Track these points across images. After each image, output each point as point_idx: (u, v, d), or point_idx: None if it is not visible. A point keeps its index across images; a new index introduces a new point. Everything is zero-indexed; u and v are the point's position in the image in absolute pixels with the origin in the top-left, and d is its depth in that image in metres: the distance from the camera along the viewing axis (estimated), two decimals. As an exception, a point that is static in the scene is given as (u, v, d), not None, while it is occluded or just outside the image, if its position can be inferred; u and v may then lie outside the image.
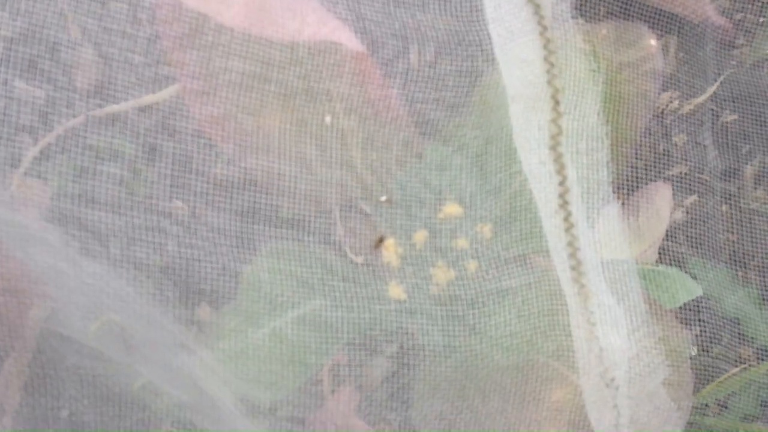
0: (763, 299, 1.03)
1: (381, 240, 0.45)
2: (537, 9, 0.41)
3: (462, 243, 0.46)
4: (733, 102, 1.17)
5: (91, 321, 0.46)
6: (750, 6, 1.14)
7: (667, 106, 1.18)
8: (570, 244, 0.41)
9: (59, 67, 0.45)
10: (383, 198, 0.46)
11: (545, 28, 0.41)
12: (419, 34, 0.46)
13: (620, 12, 1.14)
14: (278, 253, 0.44)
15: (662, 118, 1.16)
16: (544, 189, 0.41)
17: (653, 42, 0.47)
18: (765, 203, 1.15)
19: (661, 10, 1.22)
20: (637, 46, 0.48)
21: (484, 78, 0.44)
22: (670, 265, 1.07)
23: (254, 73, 0.45)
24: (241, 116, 0.44)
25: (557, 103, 0.41)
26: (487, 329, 0.45)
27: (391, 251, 0.45)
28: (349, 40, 0.44)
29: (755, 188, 1.14)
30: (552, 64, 0.41)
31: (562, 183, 0.41)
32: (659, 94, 0.46)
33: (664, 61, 1.18)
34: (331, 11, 0.45)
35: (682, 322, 1.02)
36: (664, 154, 1.14)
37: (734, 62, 1.20)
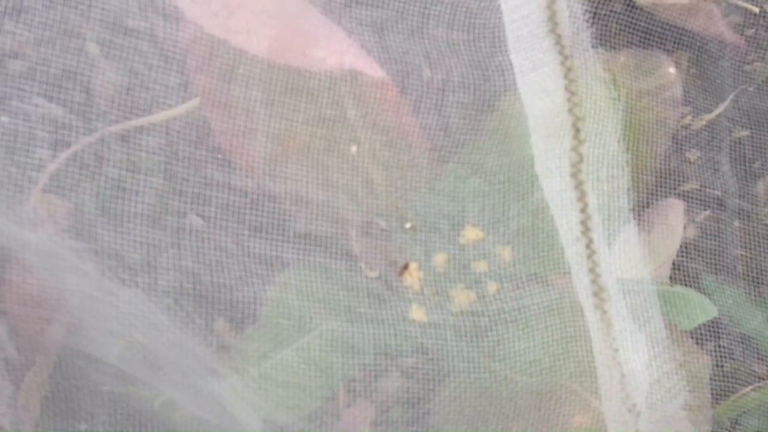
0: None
1: (406, 266, 0.46)
2: (558, 39, 0.42)
3: (482, 266, 0.47)
4: (746, 118, 1.18)
5: (114, 341, 0.47)
6: (762, 22, 1.15)
7: (679, 122, 1.19)
8: (592, 270, 0.41)
9: (77, 82, 0.46)
10: (408, 225, 0.47)
11: (566, 57, 0.42)
12: (441, 63, 0.47)
13: (640, 40, 1.15)
14: (303, 276, 0.45)
15: (675, 134, 1.17)
16: (566, 216, 0.41)
17: (672, 70, 0.48)
18: (777, 219, 1.15)
19: (673, 26, 1.23)
20: (656, 74, 0.48)
21: (505, 106, 0.44)
22: (683, 281, 1.07)
23: (279, 102, 0.46)
24: (267, 143, 0.45)
25: (578, 131, 0.41)
26: (508, 354, 0.45)
27: (413, 275, 0.46)
28: (372, 68, 0.45)
29: (766, 204, 1.14)
30: (572, 93, 0.42)
31: (583, 210, 0.41)
32: (678, 121, 0.47)
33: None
34: (355, 40, 0.46)
35: (696, 341, 1.03)
36: (676, 170, 1.14)
37: (746, 78, 1.21)
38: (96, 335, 0.48)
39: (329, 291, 0.45)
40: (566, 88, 0.41)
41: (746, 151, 1.18)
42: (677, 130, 1.16)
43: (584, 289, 0.41)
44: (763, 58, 1.13)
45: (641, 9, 1.24)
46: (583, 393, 0.43)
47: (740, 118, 1.19)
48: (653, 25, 1.28)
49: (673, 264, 1.07)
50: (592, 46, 0.42)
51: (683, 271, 1.08)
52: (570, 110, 0.41)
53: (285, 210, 0.47)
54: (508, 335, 0.46)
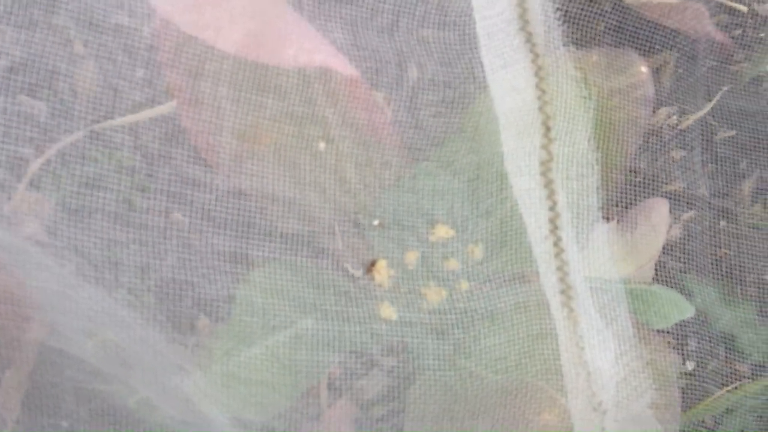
0: (760, 315, 1.04)
1: (373, 263, 0.46)
2: (529, 37, 0.42)
3: (453, 264, 0.47)
4: (731, 118, 1.18)
5: (88, 339, 0.47)
6: (750, 21, 1.15)
7: (665, 121, 1.19)
8: (560, 268, 0.41)
9: (62, 80, 0.46)
10: (375, 222, 0.47)
11: (537, 55, 0.42)
12: (413, 61, 0.47)
13: (612, 39, 1.15)
14: (271, 274, 0.45)
15: (660, 133, 1.17)
16: (535, 214, 0.41)
17: (644, 69, 0.48)
18: (762, 219, 1.15)
19: (660, 25, 1.23)
20: (627, 73, 0.48)
21: (476, 104, 0.44)
22: (667, 281, 1.07)
23: (249, 99, 0.46)
24: (236, 141, 0.45)
25: (548, 129, 0.41)
26: (476, 351, 0.45)
27: (382, 272, 0.46)
28: (343, 66, 0.45)
29: (753, 204, 1.15)
30: (543, 91, 0.42)
31: (552, 208, 0.41)
32: (649, 119, 0.47)
33: (663, 77, 1.18)
34: (326, 38, 0.46)
35: (677, 339, 1.03)
36: (661, 170, 1.14)
37: (733, 78, 1.21)
38: (69, 333, 0.48)
39: (298, 289, 0.45)
40: (537, 86, 0.41)
41: (732, 151, 1.18)
42: (662, 130, 1.16)
43: (551, 287, 0.41)
44: (750, 58, 1.13)
45: (629, 8, 1.25)
46: (550, 391, 0.43)
47: (726, 118, 1.19)
48: (641, 23, 1.28)
49: (657, 263, 1.08)
50: (564, 45, 0.42)
51: (667, 270, 1.08)
52: (540, 108, 0.41)
53: (253, 208, 0.47)
54: (476, 332, 0.46)
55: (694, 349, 1.08)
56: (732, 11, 1.29)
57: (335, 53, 0.45)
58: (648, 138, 1.19)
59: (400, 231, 0.47)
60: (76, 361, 0.49)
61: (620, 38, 1.27)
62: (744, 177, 1.15)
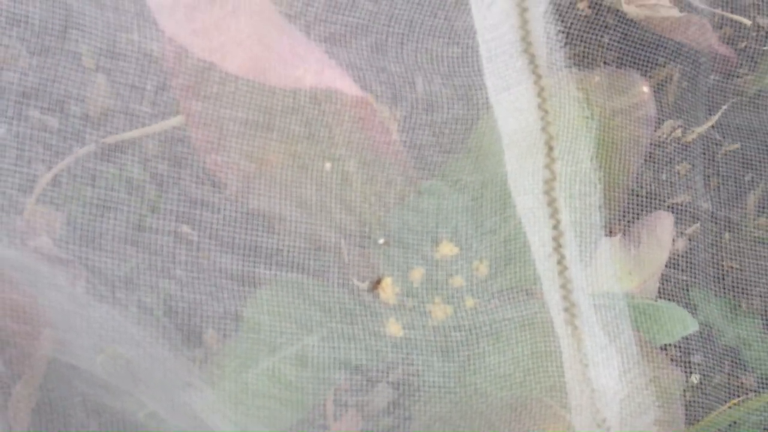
0: (765, 329, 1.04)
1: (379, 281, 0.47)
2: (532, 59, 0.42)
3: (458, 281, 0.48)
4: (736, 131, 1.18)
5: (97, 354, 0.47)
6: (754, 35, 1.15)
7: (670, 134, 1.19)
8: (563, 286, 0.42)
9: (72, 96, 0.47)
10: (381, 240, 0.47)
11: (539, 76, 0.42)
12: (419, 82, 0.47)
13: (616, 53, 1.16)
14: (277, 292, 0.46)
15: (665, 146, 1.17)
16: (538, 232, 0.42)
17: (645, 89, 0.48)
18: (767, 231, 1.15)
19: (664, 39, 1.23)
20: (629, 93, 0.49)
21: (480, 124, 0.45)
22: (672, 294, 1.07)
23: (257, 120, 0.46)
24: (244, 160, 0.46)
25: (551, 149, 0.42)
26: (481, 368, 0.46)
27: (387, 290, 0.47)
28: (349, 87, 0.46)
29: (758, 216, 1.15)
30: (546, 111, 0.42)
31: (555, 227, 0.42)
32: (651, 138, 0.48)
33: (668, 91, 1.19)
34: (333, 59, 0.46)
35: (682, 352, 1.03)
36: (666, 183, 1.15)
37: (737, 91, 1.22)
38: (79, 348, 0.49)
39: (304, 307, 0.46)
40: (539, 107, 0.42)
41: (737, 164, 1.18)
42: (667, 143, 1.16)
43: (555, 304, 0.42)
44: (754, 70, 1.13)
45: (633, 22, 1.25)
46: (555, 407, 0.43)
47: (731, 131, 1.19)
48: (645, 37, 1.29)
49: (662, 276, 1.08)
50: (566, 66, 0.43)
51: (672, 283, 1.08)
52: (543, 129, 0.42)
53: (260, 227, 0.47)
54: (481, 349, 0.46)
55: (699, 362, 1.08)
56: (736, 25, 1.30)
57: (341, 74, 0.46)
58: (653, 152, 1.20)
59: (405, 249, 0.47)
60: (85, 375, 0.50)
61: (624, 52, 1.28)
62: (748, 190, 1.15)
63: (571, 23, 1.36)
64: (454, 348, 0.47)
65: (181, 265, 0.47)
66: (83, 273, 0.46)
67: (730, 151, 1.16)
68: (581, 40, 1.17)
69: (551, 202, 0.42)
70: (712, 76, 1.26)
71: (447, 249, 0.47)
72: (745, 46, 1.29)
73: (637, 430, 0.41)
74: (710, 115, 1.20)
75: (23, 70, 0.46)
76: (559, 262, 0.42)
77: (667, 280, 1.07)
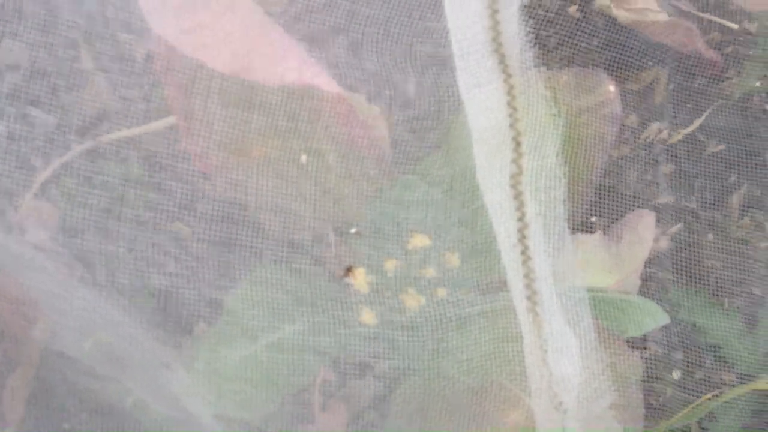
0: (747, 325, 1.06)
1: (349, 269, 0.49)
2: (503, 59, 0.44)
3: (430, 272, 0.50)
4: (721, 133, 1.20)
5: (84, 340, 0.49)
6: (741, 39, 1.17)
7: (656, 136, 1.21)
8: (527, 275, 0.44)
9: (71, 94, 0.49)
10: (353, 230, 0.49)
11: (509, 75, 0.44)
12: (394, 79, 0.50)
13: (606, 55, 1.18)
14: (256, 284, 0.48)
15: (651, 148, 1.19)
16: (504, 224, 0.44)
17: (611, 88, 0.50)
18: (750, 232, 1.17)
19: (652, 42, 1.25)
20: (596, 92, 0.51)
21: (451, 120, 0.47)
22: (655, 291, 1.09)
23: (242, 116, 0.48)
24: (225, 154, 0.48)
25: (518, 144, 0.44)
26: (449, 354, 0.48)
27: (360, 279, 0.49)
28: (328, 84, 0.48)
29: (741, 217, 1.17)
30: (515, 109, 0.44)
31: (521, 219, 0.44)
32: (616, 136, 0.50)
33: (655, 93, 1.21)
34: (313, 57, 0.48)
35: (665, 348, 1.05)
36: (651, 183, 1.17)
37: (723, 94, 1.24)
38: (68, 335, 0.50)
39: (281, 296, 0.48)
40: (508, 104, 0.44)
41: (721, 166, 1.20)
42: (654, 144, 1.18)
43: (519, 293, 0.44)
44: (740, 74, 1.15)
45: (623, 26, 1.27)
46: (515, 391, 0.45)
47: (716, 132, 1.21)
48: (634, 40, 1.31)
49: (645, 275, 1.10)
50: (535, 66, 0.45)
51: (654, 281, 1.10)
52: (511, 125, 0.44)
53: (239, 217, 0.49)
54: (450, 336, 0.48)
55: (681, 358, 1.10)
56: (724, 29, 1.32)
57: (320, 72, 0.48)
58: (639, 153, 1.22)
59: (378, 240, 0.49)
60: (75, 363, 0.52)
61: (613, 54, 1.30)
62: (733, 191, 1.17)
63: (561, 27, 1.39)
64: (426, 335, 0.49)
65: (168, 257, 0.49)
66: (74, 263, 0.48)
67: (714, 152, 1.18)
68: (552, 42, 1.19)
69: (517, 195, 0.44)
70: (698, 80, 1.28)
71: (419, 240, 0.49)
72: (733, 50, 1.31)
73: (594, 413, 0.43)
74: (696, 117, 1.22)
75: (17, 67, 0.48)
76: (523, 252, 0.44)
77: (650, 278, 1.09)
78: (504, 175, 0.44)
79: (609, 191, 1.18)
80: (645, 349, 1.04)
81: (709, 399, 0.85)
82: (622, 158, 1.20)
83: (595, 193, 1.14)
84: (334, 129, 0.48)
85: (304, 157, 0.47)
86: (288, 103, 0.48)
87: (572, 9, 1.30)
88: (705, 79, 1.29)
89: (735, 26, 1.19)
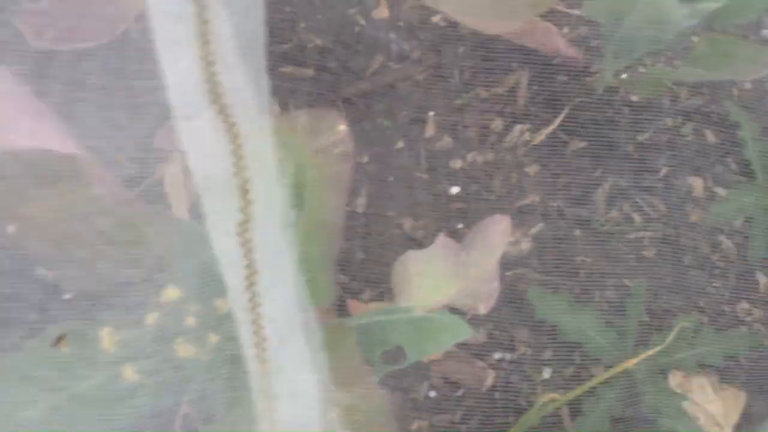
0: (615, 317, 1.07)
1: (60, 338, 0.49)
2: (223, 108, 0.45)
3: (191, 320, 0.51)
4: (583, 129, 1.22)
5: None
6: (604, 32, 1.18)
7: (519, 138, 1.23)
8: (255, 322, 0.44)
9: None
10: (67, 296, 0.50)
11: (233, 124, 0.45)
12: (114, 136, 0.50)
13: (473, 63, 1.19)
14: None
15: (514, 150, 1.21)
16: (232, 271, 0.44)
17: (342, 127, 0.51)
18: (618, 224, 1.19)
19: (514, 45, 1.26)
20: (329, 133, 0.52)
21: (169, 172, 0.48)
22: (515, 294, 1.11)
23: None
24: None
25: (246, 192, 0.45)
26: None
27: (106, 340, 0.49)
28: (63, 144, 0.48)
29: (608, 211, 1.18)
30: (240, 157, 0.45)
31: (248, 266, 0.44)
32: (352, 174, 0.51)
33: (518, 96, 1.22)
34: (47, 120, 0.49)
35: (534, 349, 1.06)
36: (515, 186, 1.18)
37: (586, 90, 1.25)
38: None
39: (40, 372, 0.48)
40: (233, 153, 0.44)
41: (585, 161, 1.22)
42: (517, 147, 1.20)
43: (247, 339, 0.44)
44: (604, 68, 1.17)
45: (481, 32, 1.28)
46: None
47: (578, 129, 1.23)
48: (497, 45, 1.32)
49: (508, 277, 1.11)
50: (262, 111, 0.45)
51: (516, 283, 1.11)
52: (236, 174, 0.44)
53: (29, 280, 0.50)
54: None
55: (549, 357, 1.11)
56: (591, 24, 1.33)
57: (54, 134, 0.48)
58: (503, 157, 1.23)
59: (135, 296, 0.50)
60: None
61: (480, 62, 1.31)
62: (597, 185, 1.19)
63: (426, 36, 1.39)
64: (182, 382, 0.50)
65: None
66: None
67: (577, 149, 1.19)
68: (434, 53, 1.20)
69: (245, 243, 0.44)
70: (559, 78, 1.29)
71: (171, 293, 0.50)
72: (598, 45, 1.32)
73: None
74: (558, 115, 1.23)
75: None
76: (251, 300, 0.44)
77: (514, 280, 1.10)
78: (231, 223, 0.44)
79: (475, 198, 1.20)
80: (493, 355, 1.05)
81: (553, 400, 0.87)
82: (486, 164, 1.22)
83: (461, 201, 1.15)
84: (72, 188, 0.49)
85: (11, 228, 0.48)
86: (22, 167, 0.48)
87: (436, 18, 1.30)
88: (566, 77, 1.30)
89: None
